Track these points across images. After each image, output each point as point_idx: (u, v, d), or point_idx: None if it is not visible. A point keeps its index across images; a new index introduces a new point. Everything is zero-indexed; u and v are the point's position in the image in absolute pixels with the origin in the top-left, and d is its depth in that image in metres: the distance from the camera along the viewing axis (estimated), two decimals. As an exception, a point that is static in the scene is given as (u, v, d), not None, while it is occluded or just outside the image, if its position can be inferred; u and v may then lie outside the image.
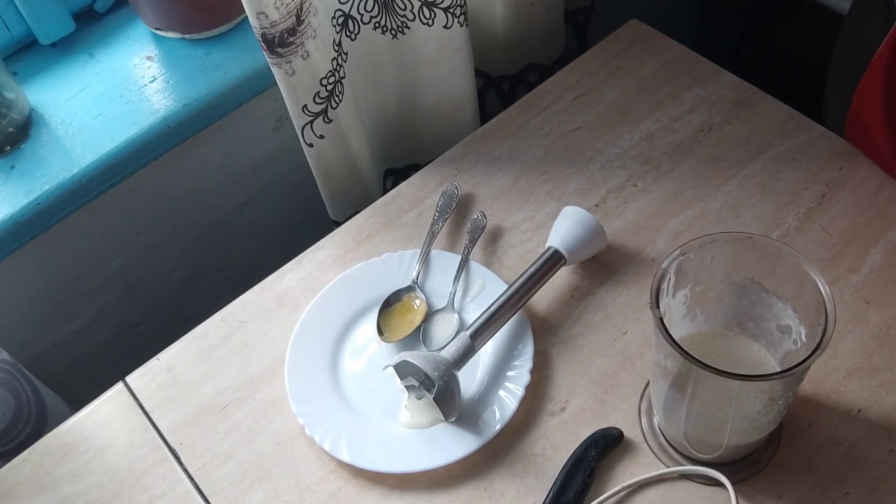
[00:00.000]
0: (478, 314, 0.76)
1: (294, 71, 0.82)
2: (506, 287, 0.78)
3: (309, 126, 0.88)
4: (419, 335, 0.80)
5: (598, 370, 0.76)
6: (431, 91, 0.99)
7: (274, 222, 1.15)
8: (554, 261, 0.79)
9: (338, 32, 0.87)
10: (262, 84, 0.97)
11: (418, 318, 0.81)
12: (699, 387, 0.61)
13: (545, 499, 0.70)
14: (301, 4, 0.78)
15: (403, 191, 0.92)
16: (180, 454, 0.77)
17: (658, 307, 0.59)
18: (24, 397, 0.88)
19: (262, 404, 0.78)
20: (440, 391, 0.71)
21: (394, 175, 1.09)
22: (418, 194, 0.91)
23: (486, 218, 0.86)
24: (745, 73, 0.95)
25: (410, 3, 0.89)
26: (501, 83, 1.12)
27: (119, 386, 0.81)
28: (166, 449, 0.77)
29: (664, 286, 0.61)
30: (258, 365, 0.81)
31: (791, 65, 1.35)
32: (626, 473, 0.71)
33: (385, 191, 0.94)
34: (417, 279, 0.83)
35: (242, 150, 1.06)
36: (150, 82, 0.96)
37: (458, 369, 0.73)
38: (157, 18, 0.98)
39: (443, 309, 0.81)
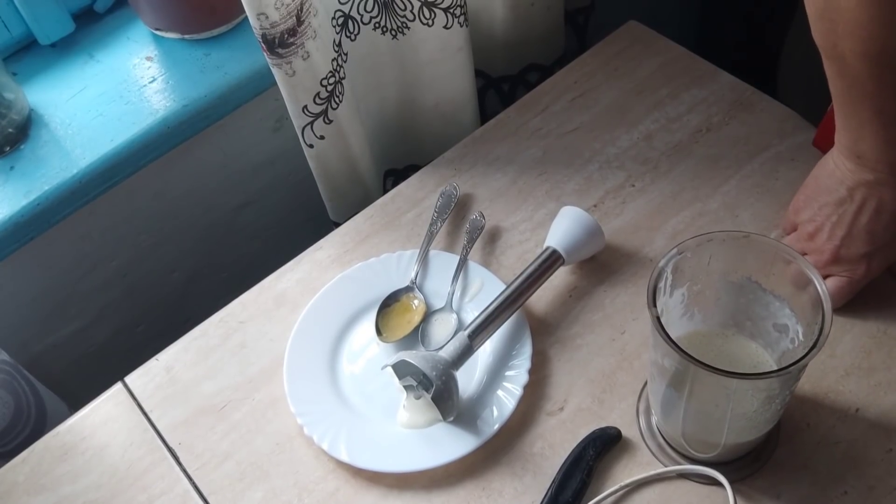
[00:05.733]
0: (476, 314, 0.76)
1: (294, 71, 0.82)
2: (504, 287, 0.78)
3: (309, 127, 0.88)
4: (418, 335, 0.80)
5: (596, 370, 0.76)
6: (431, 92, 0.99)
7: (274, 223, 1.15)
8: (552, 261, 0.79)
9: (338, 33, 0.87)
10: (262, 84, 0.97)
11: (417, 318, 0.81)
12: (697, 385, 0.61)
13: (543, 498, 0.70)
14: (301, 5, 0.78)
15: (402, 191, 0.92)
16: (179, 454, 0.77)
17: (655, 306, 0.59)
18: (23, 398, 0.88)
19: (260, 404, 0.79)
20: (438, 391, 0.71)
21: (394, 176, 1.09)
22: (417, 195, 0.91)
23: (484, 218, 0.86)
24: (746, 74, 0.95)
25: (410, 3, 0.89)
26: (501, 84, 1.12)
27: (118, 386, 0.81)
28: (165, 449, 0.77)
29: (661, 285, 0.61)
30: (257, 365, 0.81)
31: (791, 65, 1.35)
32: (625, 473, 0.71)
33: (385, 191, 0.94)
34: (416, 279, 0.83)
35: (242, 151, 1.06)
36: (150, 83, 0.96)
37: (457, 369, 0.73)
38: (156, 19, 0.98)
39: (441, 309, 0.81)
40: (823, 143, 0.85)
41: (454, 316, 0.81)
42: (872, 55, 0.60)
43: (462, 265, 0.83)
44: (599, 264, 0.83)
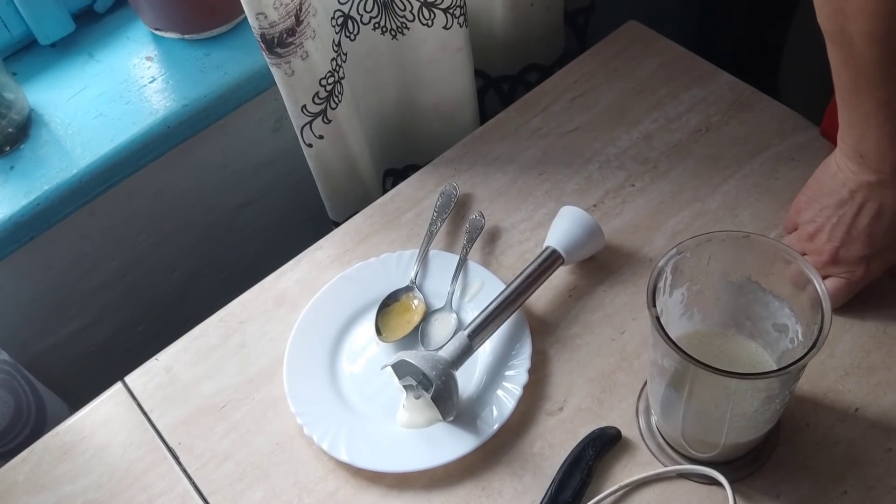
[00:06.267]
0: (476, 314, 0.76)
1: (293, 71, 0.82)
2: (504, 287, 0.78)
3: (308, 126, 0.88)
4: (417, 335, 0.80)
5: (595, 370, 0.76)
6: (431, 91, 0.99)
7: (273, 222, 1.15)
8: (552, 260, 0.79)
9: (337, 33, 0.87)
10: (261, 84, 0.98)
11: (416, 318, 0.81)
12: (696, 385, 0.61)
13: (543, 498, 0.70)
14: (300, 5, 0.78)
15: (402, 191, 0.92)
16: (179, 454, 0.77)
17: (654, 306, 0.59)
18: (23, 398, 0.88)
19: (260, 404, 0.79)
20: (438, 391, 0.71)
21: (393, 175, 1.09)
22: (417, 195, 0.91)
23: (484, 218, 0.86)
24: (746, 73, 0.95)
25: (410, 3, 0.89)
26: (501, 83, 1.12)
27: (118, 386, 0.82)
28: (165, 449, 0.77)
29: (661, 285, 0.61)
30: (257, 365, 0.81)
31: (792, 64, 1.35)
32: (624, 472, 0.71)
33: (384, 191, 0.94)
34: (416, 279, 0.83)
35: (242, 150, 1.06)
36: (150, 82, 0.96)
37: (456, 369, 0.73)
38: (156, 19, 0.98)
39: (441, 309, 0.81)
40: (830, 130, 0.85)
41: (454, 316, 0.81)
42: (881, 35, 0.59)
43: (462, 265, 0.83)
44: (599, 264, 0.83)
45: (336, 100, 0.88)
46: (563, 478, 0.70)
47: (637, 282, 0.81)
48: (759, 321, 0.66)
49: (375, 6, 0.89)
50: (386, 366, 0.74)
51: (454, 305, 0.81)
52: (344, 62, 0.89)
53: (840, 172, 0.70)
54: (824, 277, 0.73)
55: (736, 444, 0.67)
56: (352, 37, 0.90)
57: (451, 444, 0.72)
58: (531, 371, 0.75)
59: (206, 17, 0.98)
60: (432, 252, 0.85)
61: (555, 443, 0.73)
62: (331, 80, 0.86)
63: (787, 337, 0.64)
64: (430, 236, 0.85)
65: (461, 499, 0.71)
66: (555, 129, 0.94)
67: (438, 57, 0.95)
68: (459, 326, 0.80)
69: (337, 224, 0.95)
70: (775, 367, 0.65)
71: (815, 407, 0.72)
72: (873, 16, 0.58)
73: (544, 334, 0.79)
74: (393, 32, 0.92)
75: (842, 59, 0.64)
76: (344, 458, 0.73)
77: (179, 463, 0.76)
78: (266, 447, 0.76)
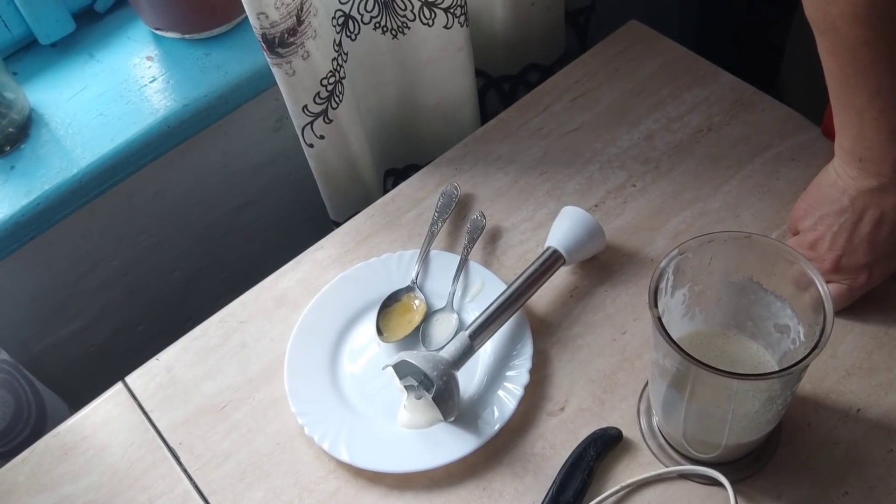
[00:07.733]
0: (477, 314, 0.76)
1: (294, 71, 0.82)
2: (505, 287, 0.78)
3: (309, 126, 0.88)
4: (418, 335, 0.80)
5: (597, 370, 0.76)
6: (432, 91, 0.99)
7: (274, 222, 1.15)
8: (553, 261, 0.79)
9: (338, 33, 0.87)
10: (262, 84, 0.97)
11: (417, 318, 0.81)
12: (698, 386, 0.61)
13: (544, 498, 0.70)
14: (301, 5, 0.78)
15: (403, 191, 0.92)
16: (179, 454, 0.77)
17: (656, 306, 0.59)
18: (23, 397, 0.88)
19: (261, 404, 0.79)
20: (439, 391, 0.71)
21: (394, 175, 1.09)
22: (418, 195, 0.91)
23: (485, 218, 0.86)
24: (747, 73, 0.94)
25: (411, 3, 0.89)
26: (502, 83, 1.12)
27: (118, 386, 0.81)
28: (165, 449, 0.77)
29: (662, 285, 0.61)
30: (257, 365, 0.81)
31: (793, 64, 1.35)
32: (625, 473, 0.71)
33: (385, 191, 0.94)
34: (417, 279, 0.83)
35: (242, 150, 1.06)
36: (150, 82, 0.96)
37: (457, 369, 0.73)
38: (157, 18, 0.98)
39: (442, 309, 0.81)
40: (831, 127, 0.84)
41: (455, 316, 0.80)
42: (862, 15, 0.59)
43: (463, 265, 0.83)
44: (600, 264, 0.83)
45: (337, 100, 0.88)
46: (565, 478, 0.70)
47: (638, 282, 0.81)
48: (761, 322, 0.66)
49: (376, 6, 0.89)
50: (387, 366, 0.74)
51: (455, 306, 0.81)
52: (345, 62, 0.89)
53: (840, 180, 0.70)
54: (826, 283, 0.73)
55: (737, 445, 0.67)
56: (352, 36, 0.90)
57: (452, 444, 0.72)
58: (532, 371, 0.75)
59: (207, 16, 0.98)
60: (433, 252, 0.85)
61: (556, 443, 0.73)
62: (332, 79, 0.86)
63: (788, 338, 0.64)
64: (431, 236, 0.85)
65: (462, 499, 0.71)
66: (556, 129, 0.93)
67: (439, 57, 0.94)
68: (460, 327, 0.80)
69: (338, 224, 0.95)
70: (777, 368, 0.65)
71: (816, 408, 0.72)
72: None
73: (545, 334, 0.79)
74: (394, 32, 0.92)
75: (829, 48, 0.63)
76: (345, 458, 0.72)
77: (180, 463, 0.76)
78: (267, 447, 0.76)
